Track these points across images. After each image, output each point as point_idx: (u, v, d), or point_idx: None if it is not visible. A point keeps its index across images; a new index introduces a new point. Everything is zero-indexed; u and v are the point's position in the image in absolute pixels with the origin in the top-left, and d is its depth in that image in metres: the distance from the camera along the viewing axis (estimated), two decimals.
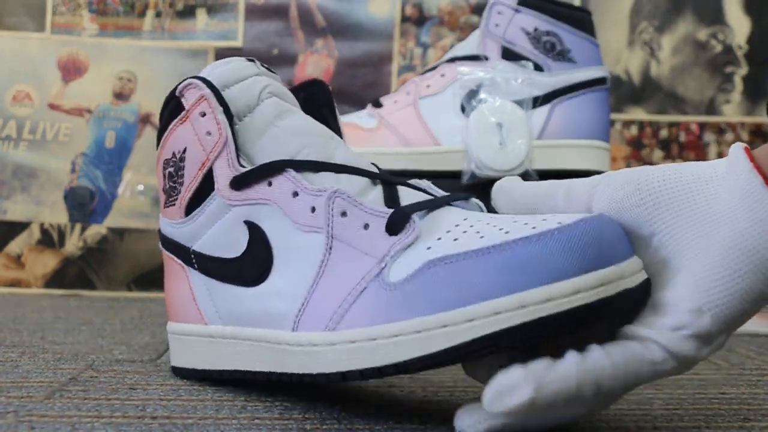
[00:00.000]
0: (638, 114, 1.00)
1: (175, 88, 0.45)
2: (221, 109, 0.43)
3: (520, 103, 0.67)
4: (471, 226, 0.37)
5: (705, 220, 0.35)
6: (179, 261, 0.47)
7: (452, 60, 0.72)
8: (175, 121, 0.45)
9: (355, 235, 0.39)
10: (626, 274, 0.34)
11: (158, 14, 0.98)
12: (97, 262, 0.94)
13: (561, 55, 0.70)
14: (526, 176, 0.66)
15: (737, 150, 0.36)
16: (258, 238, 0.42)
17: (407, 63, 0.98)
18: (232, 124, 0.43)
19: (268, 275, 0.42)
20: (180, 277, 0.47)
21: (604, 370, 0.33)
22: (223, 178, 0.43)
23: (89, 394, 0.44)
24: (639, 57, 1.00)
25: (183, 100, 0.45)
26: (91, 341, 0.60)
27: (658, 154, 0.99)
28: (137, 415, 0.40)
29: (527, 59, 0.70)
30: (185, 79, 0.45)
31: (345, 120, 0.74)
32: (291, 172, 0.41)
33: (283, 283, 0.41)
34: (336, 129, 0.48)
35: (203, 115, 0.44)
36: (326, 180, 0.41)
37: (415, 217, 0.38)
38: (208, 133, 0.44)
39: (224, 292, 0.44)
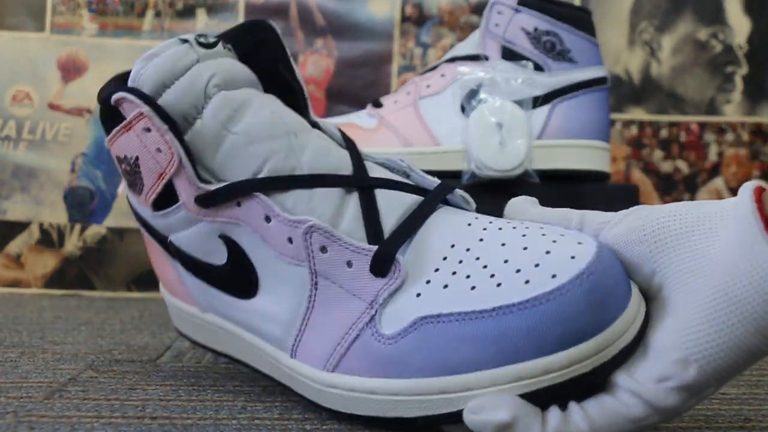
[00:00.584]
0: (638, 114, 1.00)
1: (108, 95, 0.40)
2: (167, 127, 0.39)
3: (520, 103, 0.67)
4: (460, 263, 0.36)
5: (701, 262, 0.34)
6: (160, 247, 0.44)
7: (452, 60, 0.72)
8: (118, 128, 0.40)
9: (339, 273, 0.37)
10: (623, 330, 0.33)
11: (158, 14, 0.98)
12: (96, 262, 0.94)
13: (561, 55, 0.70)
14: (526, 176, 0.66)
15: (745, 189, 0.34)
16: (238, 253, 0.40)
17: (407, 63, 0.98)
18: (182, 138, 0.39)
19: (256, 292, 0.40)
20: (165, 260, 0.44)
21: None
22: (185, 194, 0.40)
23: (89, 395, 0.44)
24: (639, 57, 1.00)
25: (120, 109, 0.40)
26: (90, 341, 0.60)
27: (658, 154, 0.99)
28: (137, 415, 0.40)
29: (527, 59, 0.70)
30: (114, 87, 0.40)
31: (345, 120, 0.74)
32: (260, 196, 0.38)
33: (274, 307, 0.39)
34: (294, 83, 0.44)
35: (148, 130, 0.39)
36: (298, 201, 0.38)
37: (399, 258, 0.36)
38: (159, 150, 0.39)
39: (214, 295, 0.42)
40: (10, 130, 0.95)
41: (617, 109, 0.99)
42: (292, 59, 0.44)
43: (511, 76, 0.68)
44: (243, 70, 0.42)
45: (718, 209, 0.35)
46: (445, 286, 0.35)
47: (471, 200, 0.42)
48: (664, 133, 0.99)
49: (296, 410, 0.41)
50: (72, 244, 0.94)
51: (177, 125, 0.39)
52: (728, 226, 0.33)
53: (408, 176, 0.42)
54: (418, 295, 0.36)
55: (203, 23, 0.97)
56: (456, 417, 0.34)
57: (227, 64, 0.42)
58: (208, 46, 0.42)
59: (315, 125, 0.43)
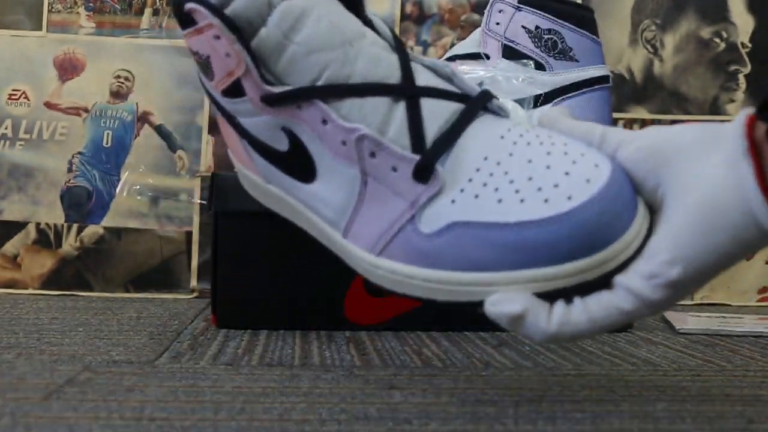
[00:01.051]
0: (641, 113, 0.99)
1: (180, 1, 0.43)
2: (235, 37, 0.42)
3: (521, 102, 0.67)
4: (490, 175, 0.40)
5: (696, 176, 0.38)
6: (229, 124, 0.47)
7: (453, 58, 0.72)
8: (191, 30, 0.44)
9: (385, 175, 0.42)
10: (625, 246, 0.38)
11: (155, 12, 0.97)
12: (94, 262, 0.94)
13: (563, 53, 0.69)
14: None
15: (741, 115, 0.38)
16: (298, 145, 0.44)
17: None
18: (249, 46, 0.42)
19: (314, 179, 0.44)
20: (234, 134, 0.47)
21: (581, 325, 0.38)
22: (252, 92, 0.43)
23: (86, 396, 0.43)
24: (641, 55, 1.00)
25: (193, 16, 0.43)
26: (88, 342, 0.60)
27: None
28: (135, 416, 0.39)
29: (528, 58, 0.69)
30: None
31: None
32: (318, 103, 0.42)
33: (330, 195, 0.44)
34: None
35: (217, 37, 0.42)
36: (352, 108, 0.42)
37: (438, 168, 0.41)
38: (228, 55, 0.42)
39: (278, 174, 0.46)
40: (7, 130, 0.94)
41: (619, 108, 0.98)
42: None
43: (512, 74, 0.68)
44: None
45: (718, 130, 0.38)
46: (476, 196, 0.40)
47: (506, 108, 0.45)
48: None
49: (295, 411, 0.41)
50: (69, 245, 0.94)
51: (244, 34, 0.42)
52: (722, 146, 0.37)
53: (451, 81, 0.45)
54: (453, 201, 0.40)
55: None
56: (478, 305, 0.39)
57: None
58: None
59: (369, 23, 0.46)
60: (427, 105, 0.42)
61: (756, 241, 0.37)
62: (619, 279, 0.38)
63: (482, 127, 0.43)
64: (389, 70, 0.43)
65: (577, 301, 0.39)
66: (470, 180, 0.41)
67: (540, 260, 0.38)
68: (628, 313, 0.38)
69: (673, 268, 0.37)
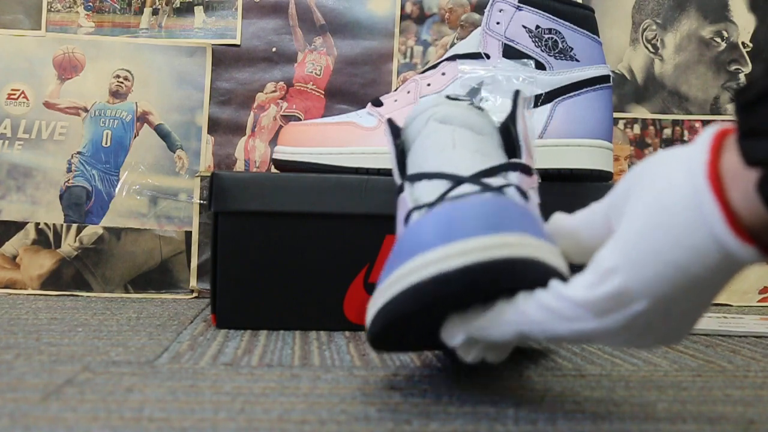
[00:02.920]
0: (641, 113, 0.99)
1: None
2: (392, 138, 0.54)
3: None
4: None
5: (651, 180, 0.35)
6: None
7: (453, 58, 0.72)
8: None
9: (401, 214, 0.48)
10: (445, 256, 0.38)
11: (155, 12, 0.97)
12: (93, 262, 0.94)
13: (563, 53, 0.69)
14: None
15: (710, 130, 0.35)
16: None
17: (407, 61, 0.97)
18: (403, 151, 0.53)
19: None
20: None
21: (521, 325, 0.38)
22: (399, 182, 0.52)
23: (85, 396, 0.43)
24: (642, 55, 0.99)
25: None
26: (87, 343, 0.60)
27: None
28: (134, 417, 0.39)
29: (529, 57, 0.69)
30: (392, 126, 0.55)
31: (345, 119, 0.73)
32: (406, 183, 0.50)
33: None
34: (512, 131, 0.52)
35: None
36: (423, 188, 0.48)
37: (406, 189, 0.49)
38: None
39: None
40: (6, 129, 0.94)
41: (620, 108, 0.98)
42: (519, 116, 0.52)
43: (512, 74, 0.68)
44: (469, 116, 0.52)
45: (686, 149, 0.36)
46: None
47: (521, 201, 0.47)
48: (667, 132, 0.99)
49: (295, 412, 0.41)
50: (68, 245, 0.94)
51: (405, 144, 0.54)
52: (686, 151, 0.35)
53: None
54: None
55: (201, 21, 0.97)
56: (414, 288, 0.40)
57: (458, 107, 0.54)
58: (456, 99, 0.55)
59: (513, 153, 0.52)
60: (466, 188, 0.45)
61: (711, 254, 0.33)
62: (559, 287, 0.37)
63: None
64: (468, 168, 0.47)
65: (519, 298, 0.38)
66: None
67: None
68: (571, 321, 0.36)
69: (615, 276, 0.34)
